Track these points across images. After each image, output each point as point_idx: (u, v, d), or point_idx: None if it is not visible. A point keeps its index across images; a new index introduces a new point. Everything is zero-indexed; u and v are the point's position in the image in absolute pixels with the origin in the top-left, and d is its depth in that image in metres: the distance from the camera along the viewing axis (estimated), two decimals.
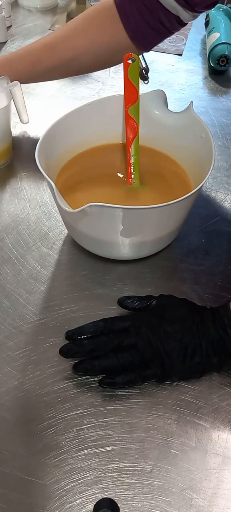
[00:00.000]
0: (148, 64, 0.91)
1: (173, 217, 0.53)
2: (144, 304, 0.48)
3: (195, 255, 0.58)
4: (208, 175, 0.51)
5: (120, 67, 0.91)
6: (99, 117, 0.62)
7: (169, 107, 0.64)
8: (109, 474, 0.40)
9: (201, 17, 1.06)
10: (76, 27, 0.69)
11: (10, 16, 1.02)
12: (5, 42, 0.97)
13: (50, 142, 0.56)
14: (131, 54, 0.63)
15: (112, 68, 0.92)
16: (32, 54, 0.69)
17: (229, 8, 0.96)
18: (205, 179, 0.51)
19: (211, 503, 0.39)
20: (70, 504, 0.38)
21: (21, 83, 0.68)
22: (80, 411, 0.44)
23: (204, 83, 0.89)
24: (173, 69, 0.91)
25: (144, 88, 0.87)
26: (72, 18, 1.01)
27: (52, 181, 0.49)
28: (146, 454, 0.41)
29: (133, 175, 0.60)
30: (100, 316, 0.51)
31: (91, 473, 0.40)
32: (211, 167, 0.52)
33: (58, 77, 0.76)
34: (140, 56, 0.92)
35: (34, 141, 0.72)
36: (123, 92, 0.62)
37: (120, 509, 0.36)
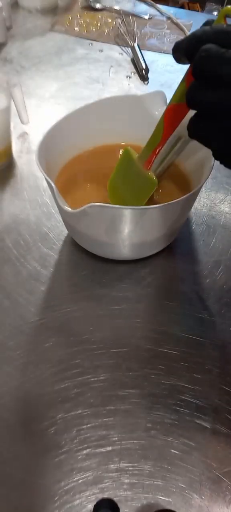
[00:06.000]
0: (148, 65, 0.91)
1: (173, 217, 0.53)
2: None
3: (195, 255, 0.58)
4: (208, 175, 0.51)
5: (120, 67, 0.92)
6: (99, 117, 0.62)
7: None
8: (110, 474, 0.40)
9: (201, 18, 1.07)
10: None
11: (10, 16, 1.02)
12: (5, 43, 0.97)
13: (51, 143, 0.56)
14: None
15: (112, 69, 0.92)
16: None
17: None
18: (205, 179, 0.51)
19: (211, 503, 0.39)
20: (70, 504, 0.38)
21: None
22: (80, 411, 0.44)
23: None
24: (173, 70, 0.92)
25: (143, 89, 0.87)
26: None
27: (52, 182, 0.49)
28: (146, 454, 0.41)
29: (153, 164, 0.57)
30: (101, 316, 0.51)
31: (91, 473, 0.40)
32: (211, 167, 0.52)
33: None
34: (140, 56, 0.92)
35: (34, 142, 0.73)
36: (122, 93, 0.62)
37: (120, 509, 0.36)
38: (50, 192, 0.55)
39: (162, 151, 0.54)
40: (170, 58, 0.96)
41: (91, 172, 0.62)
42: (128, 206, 0.48)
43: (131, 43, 0.97)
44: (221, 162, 0.40)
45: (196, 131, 0.39)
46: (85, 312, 0.51)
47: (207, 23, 0.38)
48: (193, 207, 0.62)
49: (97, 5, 1.12)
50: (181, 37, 1.01)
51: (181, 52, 0.39)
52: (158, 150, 0.50)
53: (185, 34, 1.03)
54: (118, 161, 0.56)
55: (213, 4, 1.55)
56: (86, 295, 0.53)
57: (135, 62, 0.93)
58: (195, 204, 0.64)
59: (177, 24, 1.06)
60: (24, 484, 0.39)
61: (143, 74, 0.89)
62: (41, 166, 0.50)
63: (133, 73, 0.91)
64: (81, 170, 0.62)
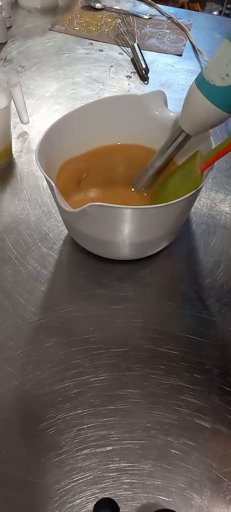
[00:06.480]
0: (148, 65, 0.91)
1: (173, 217, 0.53)
2: None
3: (195, 255, 0.58)
4: (208, 175, 0.51)
5: (120, 67, 0.92)
6: (100, 117, 0.62)
7: (169, 108, 0.64)
8: (110, 474, 0.40)
9: (201, 18, 1.07)
10: None
11: (10, 16, 1.02)
12: (5, 43, 0.97)
13: (50, 142, 0.56)
14: None
15: (112, 69, 0.92)
16: None
17: None
18: (205, 179, 0.51)
19: (211, 503, 0.39)
20: (70, 504, 0.38)
21: None
22: (80, 411, 0.44)
23: None
24: (173, 70, 0.91)
25: (143, 89, 0.87)
26: None
27: (52, 181, 0.49)
28: (146, 454, 0.41)
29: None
30: (101, 316, 0.51)
31: (91, 473, 0.40)
32: (211, 167, 0.52)
33: None
34: (140, 56, 0.92)
35: (34, 141, 0.73)
36: (122, 93, 0.62)
37: (120, 509, 0.36)
38: (50, 192, 0.55)
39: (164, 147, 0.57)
40: (170, 58, 0.96)
41: (91, 171, 0.62)
42: (128, 206, 0.48)
43: (131, 43, 0.97)
44: None
45: None
46: (85, 312, 0.51)
47: None
48: (193, 207, 0.62)
49: (97, 5, 1.12)
50: (181, 37, 1.01)
51: None
52: (220, 155, 0.52)
53: (185, 34, 1.03)
54: (186, 159, 0.57)
55: (213, 4, 1.55)
56: (86, 295, 0.53)
57: (135, 62, 0.93)
58: (195, 204, 0.64)
59: (177, 24, 1.06)
60: (24, 484, 0.39)
61: (143, 74, 0.89)
62: (41, 166, 0.50)
63: (133, 73, 0.91)
64: (81, 169, 0.61)
